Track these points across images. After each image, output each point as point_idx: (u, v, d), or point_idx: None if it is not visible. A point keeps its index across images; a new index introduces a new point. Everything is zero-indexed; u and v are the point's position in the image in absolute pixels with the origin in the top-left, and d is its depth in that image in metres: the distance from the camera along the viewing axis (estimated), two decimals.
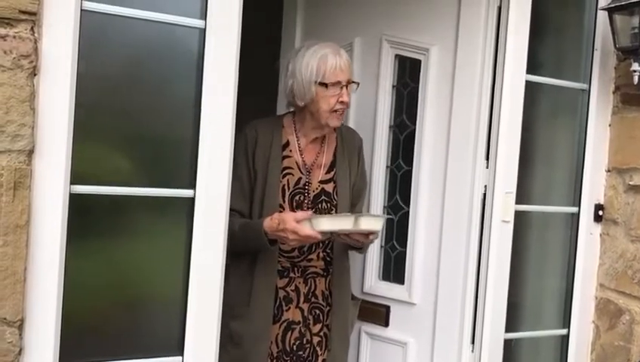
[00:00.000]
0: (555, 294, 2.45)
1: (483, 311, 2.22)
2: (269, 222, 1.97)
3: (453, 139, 2.26)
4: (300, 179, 2.14)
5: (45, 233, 1.52)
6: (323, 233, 1.97)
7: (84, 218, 1.60)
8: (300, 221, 1.93)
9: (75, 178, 1.55)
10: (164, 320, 1.74)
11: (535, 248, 2.42)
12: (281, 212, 2.07)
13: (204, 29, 1.67)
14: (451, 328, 2.25)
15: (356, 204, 2.24)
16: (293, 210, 2.10)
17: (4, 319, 1.47)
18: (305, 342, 2.15)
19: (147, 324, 1.74)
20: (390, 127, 2.46)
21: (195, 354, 1.70)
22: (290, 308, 2.13)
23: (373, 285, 2.45)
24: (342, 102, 2.07)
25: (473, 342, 2.24)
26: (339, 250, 2.17)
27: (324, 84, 2.05)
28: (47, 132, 1.51)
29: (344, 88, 2.07)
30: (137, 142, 1.68)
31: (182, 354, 1.70)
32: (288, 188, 2.12)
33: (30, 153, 1.49)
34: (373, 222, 2.03)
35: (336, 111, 2.08)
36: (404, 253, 2.38)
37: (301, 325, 2.14)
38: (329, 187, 2.17)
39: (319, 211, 2.13)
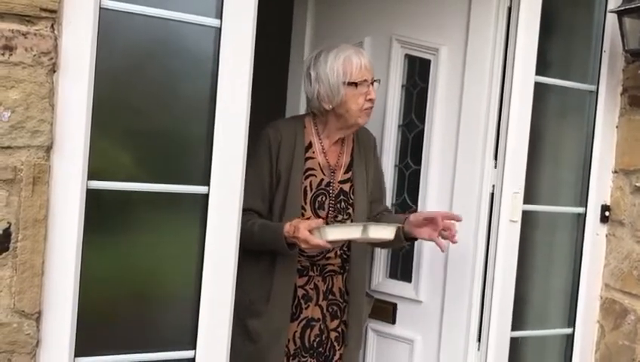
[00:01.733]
0: (561, 293, 2.47)
1: (490, 310, 2.24)
2: (288, 228, 1.99)
3: (461, 138, 2.28)
4: (322, 180, 2.15)
5: (63, 227, 1.55)
6: (335, 241, 1.98)
7: (101, 213, 1.62)
8: (312, 229, 1.95)
9: (92, 174, 1.58)
10: (177, 314, 1.76)
11: (541, 248, 2.44)
12: (302, 213, 2.09)
13: (220, 28, 1.70)
14: (458, 326, 2.27)
15: (380, 199, 2.27)
16: (314, 210, 2.12)
17: (23, 311, 1.50)
18: (324, 338, 2.18)
19: (161, 318, 1.76)
20: (399, 126, 2.48)
21: (208, 348, 1.73)
22: (309, 305, 2.15)
23: (381, 282, 2.47)
24: (370, 100, 2.10)
25: (479, 340, 2.27)
26: (356, 248, 2.19)
27: (354, 84, 2.08)
28: (66, 128, 1.53)
29: (370, 86, 2.10)
30: (153, 139, 1.70)
31: (194, 348, 1.72)
32: (311, 190, 2.13)
33: (49, 149, 1.51)
34: (382, 230, 2.01)
35: (365, 109, 2.11)
36: (412, 251, 2.40)
37: (321, 322, 2.17)
38: (346, 187, 2.19)
39: (337, 210, 2.16)
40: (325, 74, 2.08)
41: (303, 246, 1.96)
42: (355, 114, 2.10)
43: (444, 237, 2.10)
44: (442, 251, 2.13)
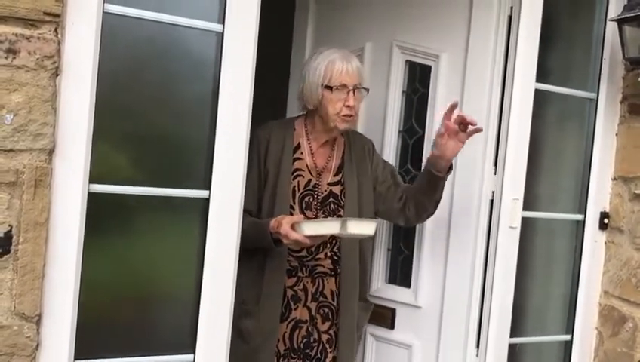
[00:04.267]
0: (560, 300, 2.47)
1: (488, 316, 2.24)
2: (273, 223, 2.02)
3: None
4: (309, 181, 2.18)
5: (64, 231, 1.55)
6: (315, 237, 1.98)
7: (102, 216, 1.63)
8: (294, 225, 1.96)
9: (94, 177, 1.58)
10: (177, 318, 1.77)
11: (541, 254, 2.44)
12: (291, 212, 2.11)
13: (222, 33, 1.70)
14: (456, 332, 2.27)
15: (396, 184, 2.24)
16: (302, 210, 2.14)
17: (23, 314, 1.50)
18: (312, 340, 2.18)
19: (160, 322, 1.77)
20: (399, 132, 2.49)
21: (207, 352, 1.73)
22: (298, 307, 2.16)
23: (380, 288, 2.48)
24: (348, 107, 2.10)
25: (478, 346, 2.27)
26: (346, 249, 2.20)
27: (329, 88, 2.10)
28: (68, 131, 1.54)
29: (351, 93, 2.11)
30: (155, 143, 1.71)
31: (194, 352, 1.73)
32: (298, 190, 2.16)
33: (51, 152, 1.52)
34: (362, 226, 2.00)
35: (343, 115, 2.11)
36: (411, 256, 2.41)
37: (308, 324, 2.18)
38: (337, 189, 2.20)
39: (327, 212, 2.17)
40: (309, 74, 2.12)
41: (285, 241, 1.98)
42: (332, 118, 2.12)
43: (467, 131, 2.00)
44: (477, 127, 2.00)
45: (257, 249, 2.08)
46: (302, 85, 2.15)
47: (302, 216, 2.06)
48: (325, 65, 2.10)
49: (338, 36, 2.59)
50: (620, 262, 2.37)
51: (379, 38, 2.50)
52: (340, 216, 2.18)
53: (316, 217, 2.16)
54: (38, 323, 1.53)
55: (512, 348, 2.31)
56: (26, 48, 1.46)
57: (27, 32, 1.47)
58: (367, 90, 2.18)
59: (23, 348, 1.51)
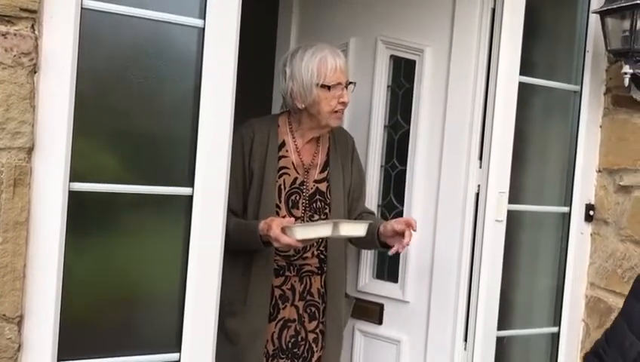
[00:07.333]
0: (546, 292, 2.48)
1: (476, 309, 2.25)
2: (262, 225, 1.99)
3: (447, 139, 2.29)
4: (295, 178, 2.16)
5: (45, 230, 1.53)
6: (306, 240, 1.97)
7: (83, 215, 1.60)
8: (285, 228, 1.95)
9: (75, 175, 1.56)
10: (161, 317, 1.75)
11: (527, 247, 2.45)
12: (277, 211, 2.09)
13: (204, 28, 1.69)
14: (444, 326, 2.28)
15: (358, 199, 2.27)
16: (289, 209, 2.13)
17: (4, 315, 1.48)
18: (300, 339, 2.17)
19: (145, 321, 1.75)
20: (385, 126, 2.48)
21: (192, 350, 1.72)
22: (286, 306, 2.15)
23: (368, 283, 2.47)
24: (342, 103, 2.10)
25: (466, 340, 2.27)
26: (333, 248, 2.19)
27: (327, 87, 2.08)
28: (47, 129, 1.52)
29: (344, 89, 2.10)
30: (137, 141, 1.69)
31: (179, 351, 1.71)
32: (284, 188, 2.14)
33: (30, 150, 1.50)
34: (354, 228, 2.01)
35: (336, 112, 2.11)
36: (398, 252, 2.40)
37: (296, 323, 2.17)
38: (323, 186, 2.19)
39: (313, 210, 2.16)
40: (300, 73, 2.08)
41: (275, 244, 1.96)
42: (325, 115, 2.11)
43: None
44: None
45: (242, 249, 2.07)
46: (291, 85, 2.09)
47: (292, 219, 2.04)
48: (317, 64, 2.07)
49: (322, 31, 2.58)
50: (605, 254, 2.39)
51: (363, 33, 2.50)
52: (325, 214, 2.17)
53: (303, 215, 2.14)
54: (20, 324, 1.51)
55: (499, 340, 2.31)
56: (2, 45, 1.44)
57: (3, 28, 1.44)
58: (355, 85, 2.17)
59: (4, 349, 1.48)
